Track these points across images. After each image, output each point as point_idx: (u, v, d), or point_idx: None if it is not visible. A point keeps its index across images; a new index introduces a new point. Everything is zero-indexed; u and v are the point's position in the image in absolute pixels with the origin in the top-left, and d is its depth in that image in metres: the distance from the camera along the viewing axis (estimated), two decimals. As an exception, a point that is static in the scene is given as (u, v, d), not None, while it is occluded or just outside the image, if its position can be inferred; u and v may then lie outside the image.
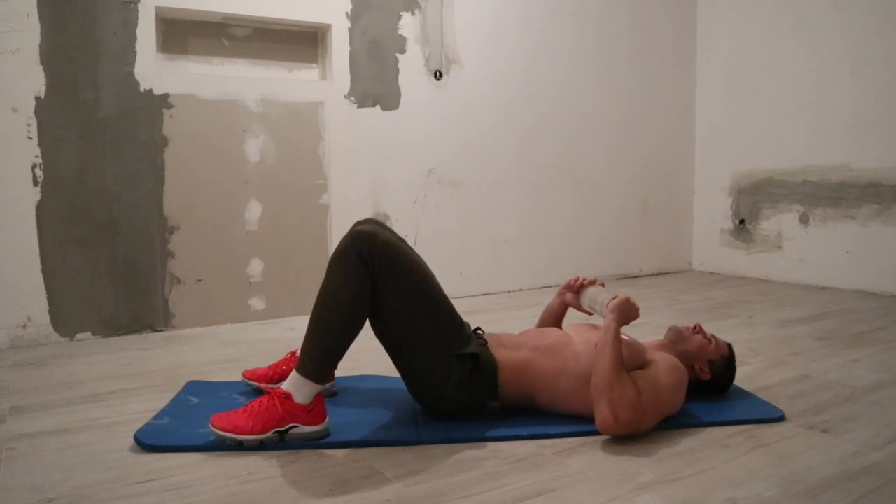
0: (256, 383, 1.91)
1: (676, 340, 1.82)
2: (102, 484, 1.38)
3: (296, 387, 1.55)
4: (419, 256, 1.70)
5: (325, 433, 1.59)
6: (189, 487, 1.37)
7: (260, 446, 1.53)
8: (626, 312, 1.67)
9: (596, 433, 1.62)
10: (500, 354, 1.70)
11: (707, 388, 1.84)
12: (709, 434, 1.64)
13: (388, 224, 3.41)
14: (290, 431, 1.55)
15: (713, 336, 1.84)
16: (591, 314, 1.86)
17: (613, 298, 1.70)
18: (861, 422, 1.72)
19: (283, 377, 1.87)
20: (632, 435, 1.59)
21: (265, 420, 1.53)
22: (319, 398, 1.58)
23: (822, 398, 1.91)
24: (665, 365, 1.68)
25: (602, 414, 1.55)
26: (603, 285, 1.88)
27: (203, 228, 2.95)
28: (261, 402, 1.56)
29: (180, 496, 1.33)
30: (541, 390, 1.69)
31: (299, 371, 1.56)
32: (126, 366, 2.32)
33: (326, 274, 1.60)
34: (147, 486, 1.37)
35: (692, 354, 1.81)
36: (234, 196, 3.01)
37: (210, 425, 1.55)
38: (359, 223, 1.71)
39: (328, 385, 1.89)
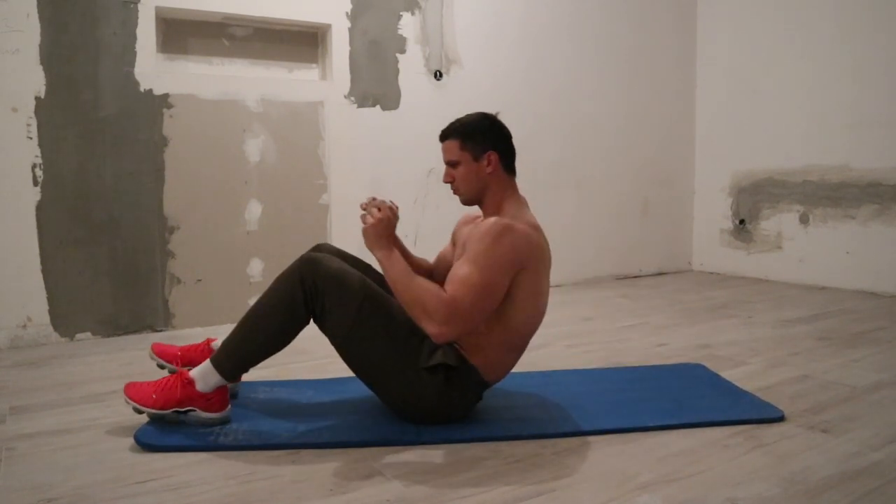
0: (162, 361, 1.90)
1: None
2: (102, 484, 1.38)
3: (203, 375, 1.65)
4: (374, 278, 1.71)
5: (225, 420, 1.68)
6: (189, 487, 1.37)
7: (161, 419, 1.66)
8: (369, 238, 1.60)
9: (596, 433, 1.63)
10: (476, 350, 1.65)
11: (504, 153, 1.72)
12: (709, 434, 1.64)
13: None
14: (189, 414, 1.65)
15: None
16: None
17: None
18: (861, 422, 1.72)
19: (190, 363, 1.84)
20: (470, 322, 1.53)
21: (167, 398, 1.64)
22: (222, 389, 1.67)
23: (822, 398, 1.91)
24: (473, 239, 1.60)
25: (429, 332, 1.51)
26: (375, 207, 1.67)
27: (203, 228, 2.95)
28: (169, 380, 1.66)
29: (180, 496, 1.33)
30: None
31: (212, 361, 1.65)
32: (126, 366, 2.31)
33: (269, 287, 1.65)
34: (147, 486, 1.37)
35: (475, 192, 1.71)
36: (234, 196, 3.01)
37: (123, 391, 1.67)
38: (314, 248, 1.78)
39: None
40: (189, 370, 1.67)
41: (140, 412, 1.65)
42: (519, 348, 1.72)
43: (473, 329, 1.59)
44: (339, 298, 1.59)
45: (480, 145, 1.70)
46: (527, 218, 1.68)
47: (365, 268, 1.82)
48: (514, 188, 1.76)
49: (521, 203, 1.74)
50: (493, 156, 1.70)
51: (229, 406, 1.70)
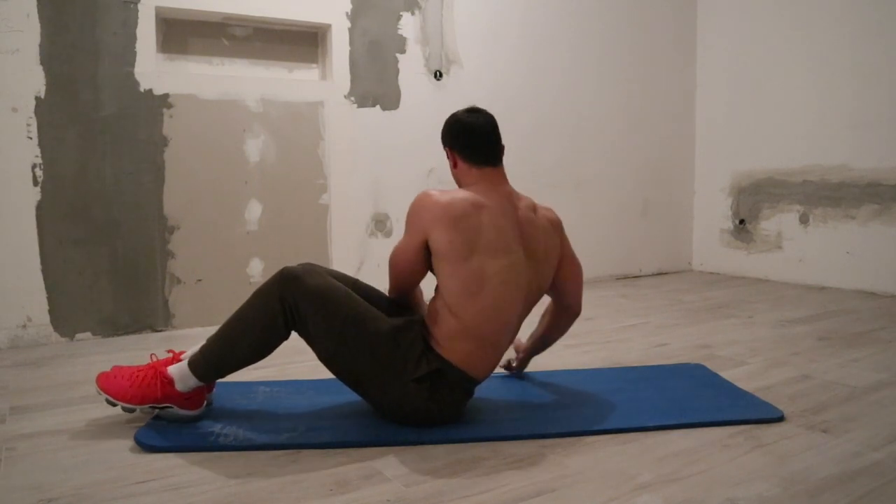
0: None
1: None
2: (102, 484, 1.38)
3: (181, 377, 1.66)
4: (359, 292, 1.71)
5: (199, 416, 1.71)
6: (189, 487, 1.37)
7: (134, 412, 1.68)
8: None
9: (596, 433, 1.63)
10: (447, 345, 1.62)
11: (462, 149, 1.71)
12: (709, 434, 1.64)
13: (387, 224, 3.42)
14: (165, 410, 1.67)
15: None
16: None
17: None
18: (861, 422, 1.72)
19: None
20: (394, 278, 1.73)
21: (144, 394, 1.64)
22: (201, 389, 1.69)
23: (822, 398, 1.91)
24: None
25: None
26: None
27: (203, 228, 2.95)
28: (146, 375, 1.65)
29: (180, 496, 1.33)
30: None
31: (190, 365, 1.66)
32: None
33: (249, 299, 1.68)
34: (147, 486, 1.37)
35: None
36: (234, 196, 3.01)
37: (95, 382, 1.67)
38: (300, 266, 1.73)
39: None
40: (168, 369, 1.67)
41: (113, 405, 1.65)
42: (486, 341, 1.64)
43: (407, 288, 1.75)
44: (321, 317, 1.58)
45: (445, 146, 1.77)
46: (475, 192, 1.64)
47: (353, 283, 1.79)
48: (484, 178, 1.69)
49: (488, 187, 1.68)
50: (451, 154, 1.75)
51: (205, 403, 1.73)
